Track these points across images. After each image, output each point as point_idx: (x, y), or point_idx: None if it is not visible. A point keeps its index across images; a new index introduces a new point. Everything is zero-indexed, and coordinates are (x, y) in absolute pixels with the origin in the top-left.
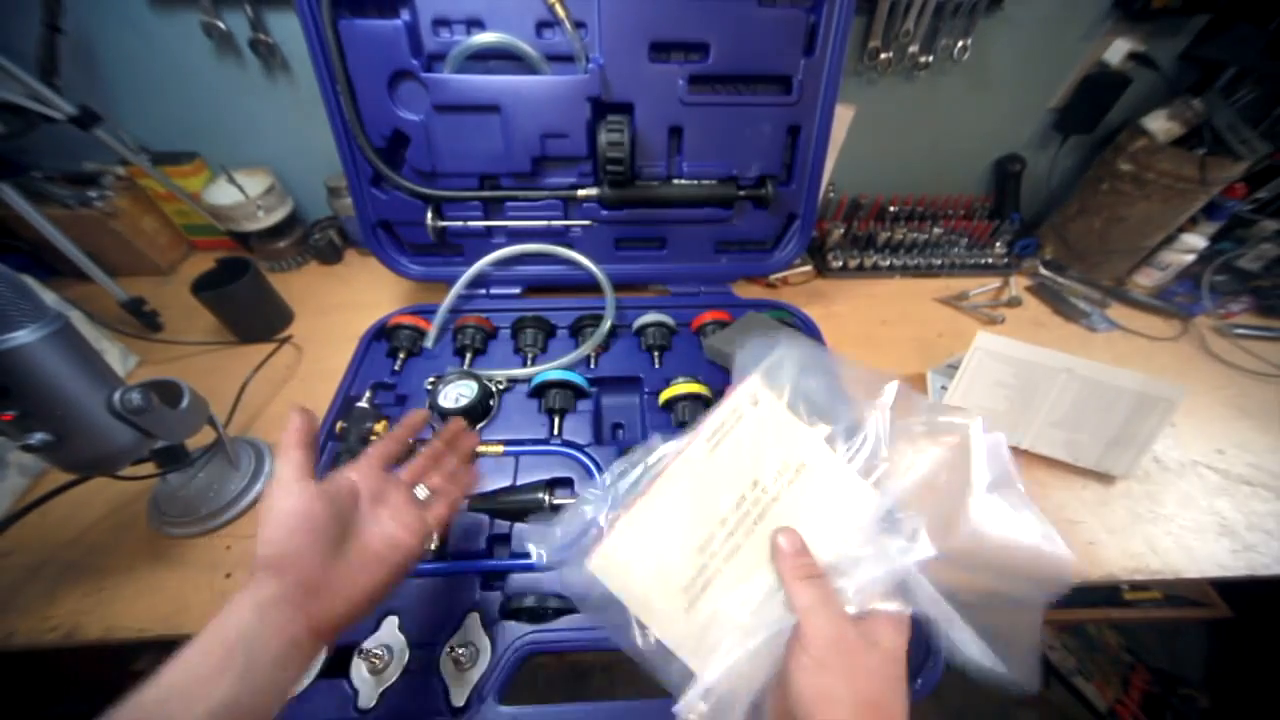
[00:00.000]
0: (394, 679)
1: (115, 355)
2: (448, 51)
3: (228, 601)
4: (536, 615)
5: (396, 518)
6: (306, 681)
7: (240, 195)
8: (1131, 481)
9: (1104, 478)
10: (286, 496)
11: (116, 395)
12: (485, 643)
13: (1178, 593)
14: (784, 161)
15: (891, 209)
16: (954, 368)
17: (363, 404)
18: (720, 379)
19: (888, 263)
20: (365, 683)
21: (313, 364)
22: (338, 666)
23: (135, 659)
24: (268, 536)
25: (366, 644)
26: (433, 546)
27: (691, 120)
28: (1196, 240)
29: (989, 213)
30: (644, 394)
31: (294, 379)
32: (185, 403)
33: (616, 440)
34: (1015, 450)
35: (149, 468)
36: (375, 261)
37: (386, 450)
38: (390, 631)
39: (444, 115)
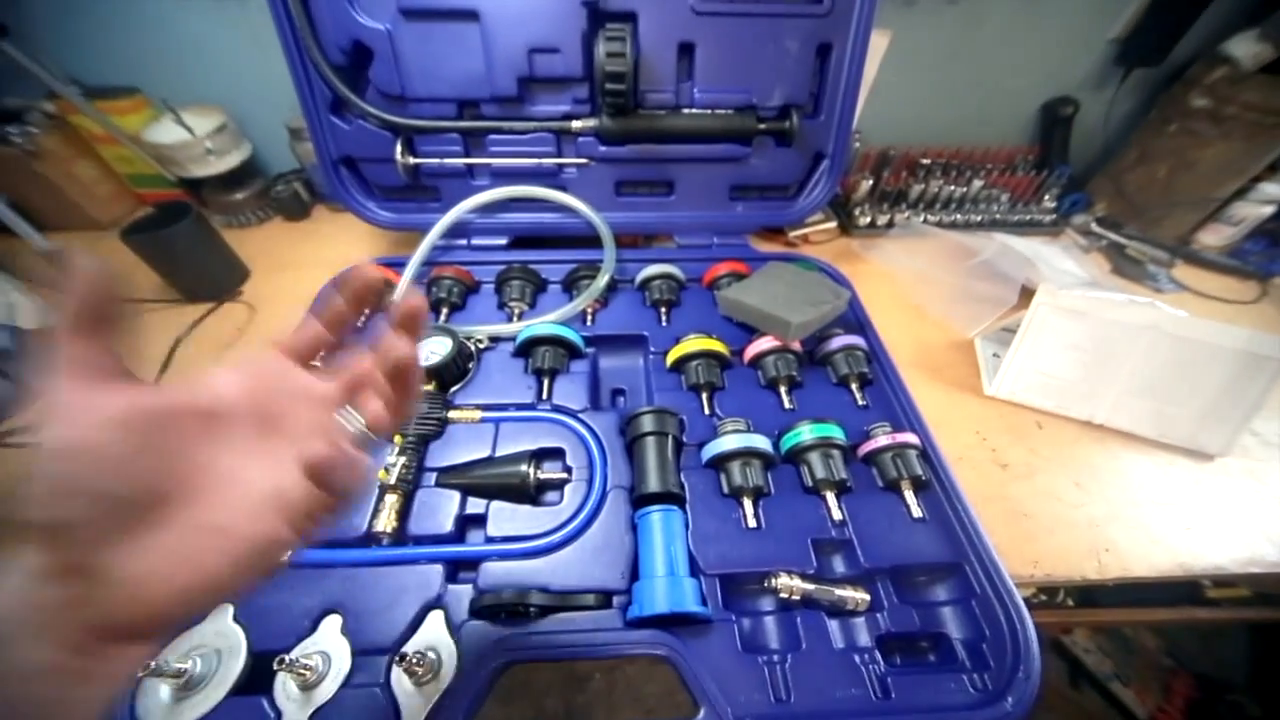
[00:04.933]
0: (330, 695)
1: (32, 310)
2: None
3: None
4: (515, 614)
5: (298, 459)
6: (218, 698)
7: (186, 133)
8: (1228, 459)
9: (1194, 454)
10: (60, 423)
11: None
12: (450, 649)
13: (1269, 589)
14: (811, 89)
15: (924, 161)
16: (1010, 331)
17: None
18: (739, 337)
19: (921, 218)
20: (291, 701)
21: (265, 324)
22: (257, 680)
23: None
24: (37, 491)
25: (294, 651)
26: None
27: (705, 35)
28: (1277, 190)
29: (1033, 165)
30: (649, 354)
31: (242, 341)
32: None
33: (616, 407)
34: (1089, 425)
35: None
36: (348, 217)
37: (307, 338)
38: (329, 635)
39: (413, 24)
